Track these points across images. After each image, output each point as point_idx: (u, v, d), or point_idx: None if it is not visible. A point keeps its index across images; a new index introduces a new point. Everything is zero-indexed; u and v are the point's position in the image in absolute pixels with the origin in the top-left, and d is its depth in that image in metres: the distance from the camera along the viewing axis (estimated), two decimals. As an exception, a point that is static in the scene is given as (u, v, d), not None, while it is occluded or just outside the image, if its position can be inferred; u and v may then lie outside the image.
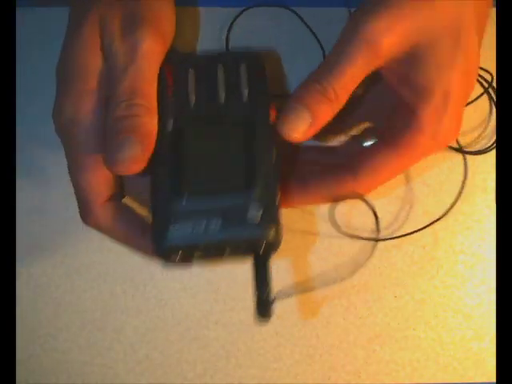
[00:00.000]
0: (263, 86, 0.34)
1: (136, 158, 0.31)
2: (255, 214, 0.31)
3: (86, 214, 0.34)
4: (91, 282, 0.43)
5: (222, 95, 0.33)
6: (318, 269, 0.43)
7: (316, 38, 0.43)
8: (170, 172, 0.32)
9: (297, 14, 0.43)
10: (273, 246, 0.31)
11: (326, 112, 0.32)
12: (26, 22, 0.42)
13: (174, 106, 0.33)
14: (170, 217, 0.31)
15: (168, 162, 0.32)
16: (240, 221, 0.31)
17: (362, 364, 0.43)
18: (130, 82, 0.32)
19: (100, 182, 0.34)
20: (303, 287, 0.43)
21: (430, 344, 0.43)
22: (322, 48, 0.43)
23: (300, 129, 0.31)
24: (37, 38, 0.43)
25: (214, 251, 0.31)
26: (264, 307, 0.32)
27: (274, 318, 0.42)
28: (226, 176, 0.32)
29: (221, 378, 0.43)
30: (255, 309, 0.32)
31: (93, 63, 0.34)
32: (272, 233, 0.31)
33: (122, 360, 0.43)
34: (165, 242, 0.31)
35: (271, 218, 0.31)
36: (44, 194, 0.42)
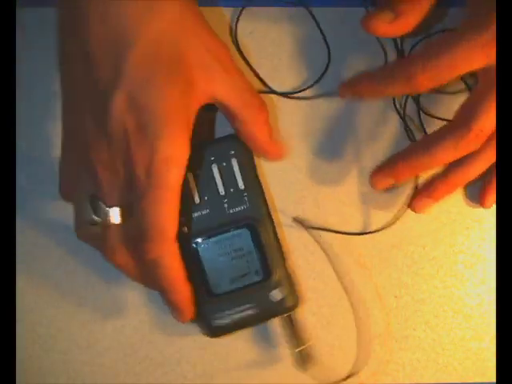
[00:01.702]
0: (253, 172, 0.40)
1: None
2: (277, 294, 0.39)
3: (157, 247, 0.35)
4: (91, 282, 0.43)
5: (221, 189, 0.40)
6: (319, 269, 0.43)
7: (323, 35, 0.43)
8: (199, 277, 0.39)
9: (311, 14, 0.43)
10: (295, 307, 0.40)
11: None
12: (26, 22, 0.42)
13: (183, 210, 0.37)
14: (210, 315, 0.39)
15: (194, 268, 0.39)
16: (267, 303, 0.39)
17: (362, 364, 0.43)
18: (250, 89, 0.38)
19: (174, 218, 0.35)
20: (303, 287, 0.43)
21: (430, 344, 0.43)
22: (327, 46, 0.43)
23: None
24: (37, 38, 0.43)
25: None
26: (300, 359, 0.40)
27: (273, 318, 0.43)
28: (246, 271, 0.39)
29: (221, 378, 0.43)
30: (295, 361, 0.41)
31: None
32: (292, 302, 0.40)
33: (122, 360, 0.43)
34: (212, 333, 0.40)
35: (289, 291, 0.39)
36: (44, 194, 0.42)
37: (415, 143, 0.40)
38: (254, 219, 0.39)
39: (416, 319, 0.43)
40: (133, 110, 0.34)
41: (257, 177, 0.40)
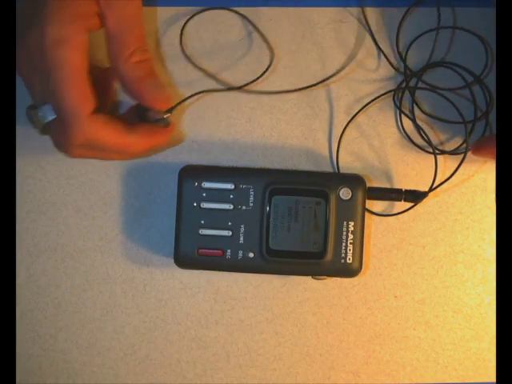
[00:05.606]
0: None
1: (168, 94, 0.39)
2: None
3: (76, 127, 0.36)
4: (91, 282, 0.43)
5: None
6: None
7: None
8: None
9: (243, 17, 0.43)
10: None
11: None
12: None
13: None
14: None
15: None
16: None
17: (362, 364, 0.43)
18: (139, 30, 0.37)
19: (86, 95, 0.36)
20: (302, 287, 0.43)
21: (430, 344, 0.43)
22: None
23: None
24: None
25: None
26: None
27: (274, 318, 0.43)
28: (308, 239, 0.40)
29: (221, 378, 0.43)
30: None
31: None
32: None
33: (122, 360, 0.43)
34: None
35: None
36: (44, 193, 0.43)
37: None
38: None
39: (416, 319, 0.43)
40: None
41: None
